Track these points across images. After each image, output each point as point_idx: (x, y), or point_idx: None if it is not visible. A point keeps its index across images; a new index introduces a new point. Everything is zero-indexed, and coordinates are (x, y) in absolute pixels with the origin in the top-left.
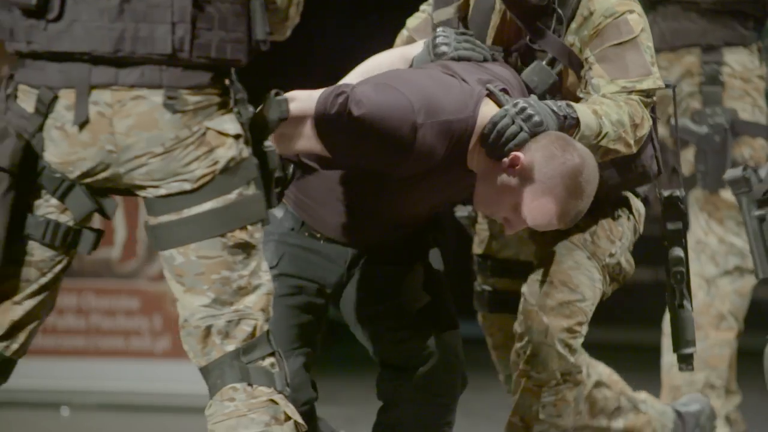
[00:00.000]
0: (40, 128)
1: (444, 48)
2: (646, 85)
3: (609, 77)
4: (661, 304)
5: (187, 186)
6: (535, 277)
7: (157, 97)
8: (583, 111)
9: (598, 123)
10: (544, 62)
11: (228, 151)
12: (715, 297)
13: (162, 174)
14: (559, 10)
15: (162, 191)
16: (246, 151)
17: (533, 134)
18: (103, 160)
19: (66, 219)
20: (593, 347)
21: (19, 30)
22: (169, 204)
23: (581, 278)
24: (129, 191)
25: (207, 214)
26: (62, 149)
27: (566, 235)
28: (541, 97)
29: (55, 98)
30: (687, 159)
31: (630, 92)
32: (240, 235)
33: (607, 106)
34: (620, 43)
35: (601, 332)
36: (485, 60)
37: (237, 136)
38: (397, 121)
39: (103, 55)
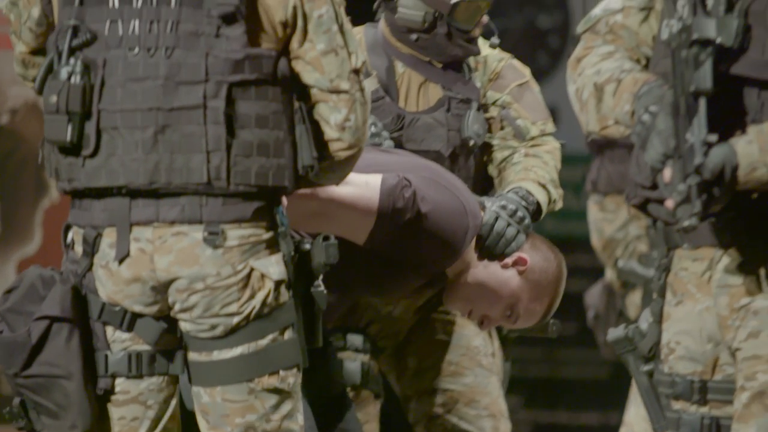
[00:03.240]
0: (90, 268)
1: (377, 139)
2: (550, 127)
3: (531, 118)
4: None
5: (220, 332)
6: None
7: (197, 232)
8: (535, 190)
9: (546, 195)
10: (473, 110)
11: (267, 296)
12: None
13: (201, 311)
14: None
15: (197, 329)
16: (285, 296)
17: (525, 234)
18: (150, 297)
19: (146, 346)
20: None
21: (62, 169)
22: (201, 344)
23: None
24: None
25: (236, 359)
26: (108, 288)
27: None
28: (482, 147)
29: (99, 237)
30: (633, 302)
31: (544, 134)
32: (269, 381)
33: (540, 169)
34: (521, 84)
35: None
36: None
37: (279, 282)
38: (456, 223)
39: (140, 188)
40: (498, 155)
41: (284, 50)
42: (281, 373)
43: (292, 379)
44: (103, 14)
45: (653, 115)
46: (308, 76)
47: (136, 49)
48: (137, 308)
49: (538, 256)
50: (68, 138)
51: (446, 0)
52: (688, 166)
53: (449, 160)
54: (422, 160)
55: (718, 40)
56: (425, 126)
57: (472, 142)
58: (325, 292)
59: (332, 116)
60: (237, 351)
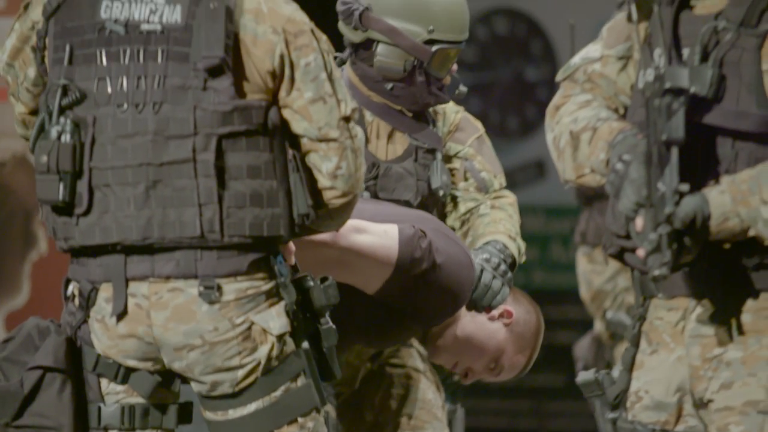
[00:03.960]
0: (85, 320)
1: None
2: (504, 180)
3: (492, 171)
4: None
5: (228, 389)
6: None
7: (193, 288)
8: (509, 243)
9: (517, 246)
10: (439, 160)
11: (271, 350)
12: None
13: (202, 368)
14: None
15: (205, 389)
16: (291, 346)
17: (509, 286)
18: (145, 352)
19: (140, 399)
20: None
21: (58, 228)
22: (214, 404)
23: None
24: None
25: (252, 415)
26: (104, 342)
27: None
28: (451, 197)
29: (96, 291)
30: (622, 354)
31: (502, 188)
32: (289, 431)
33: (507, 222)
34: (479, 137)
35: None
36: None
37: (281, 335)
38: (464, 275)
39: (134, 244)
40: (461, 207)
41: (274, 99)
42: (300, 420)
43: (311, 423)
44: (92, 72)
45: (626, 163)
46: (297, 125)
47: (125, 106)
48: (131, 363)
49: (521, 308)
50: (60, 197)
51: (427, 48)
52: (659, 215)
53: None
54: (420, 212)
55: (692, 90)
56: (396, 175)
57: (441, 193)
58: (333, 327)
59: (323, 165)
60: (252, 407)
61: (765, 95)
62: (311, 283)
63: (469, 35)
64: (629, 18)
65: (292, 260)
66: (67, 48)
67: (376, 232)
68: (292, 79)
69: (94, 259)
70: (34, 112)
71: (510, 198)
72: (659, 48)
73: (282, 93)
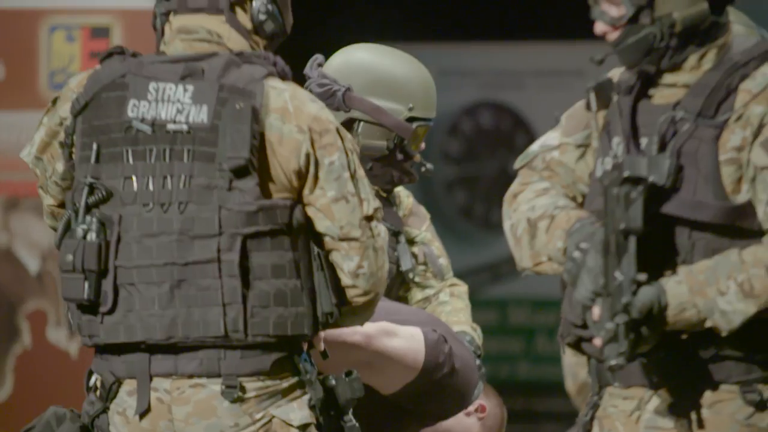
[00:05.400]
0: (104, 411)
1: None
2: None
3: (447, 258)
4: None
5: None
6: None
7: (215, 385)
8: (474, 335)
9: (479, 337)
10: (403, 243)
11: None
12: None
13: None
14: None
15: None
16: None
17: (482, 381)
18: None
19: None
20: None
21: (83, 325)
22: None
23: None
24: None
25: None
26: None
27: None
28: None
29: (119, 384)
30: None
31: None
32: None
33: (466, 313)
34: (429, 222)
35: None
36: None
37: (303, 426)
38: (473, 378)
39: (159, 343)
40: (418, 293)
41: (299, 197)
42: None
43: None
44: (118, 171)
45: (584, 252)
46: (320, 223)
47: (151, 205)
48: None
49: (491, 402)
50: (85, 296)
51: (409, 125)
52: (616, 305)
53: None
54: (425, 312)
55: (650, 179)
56: None
57: (411, 275)
58: (357, 425)
59: (345, 264)
60: None
61: (722, 186)
62: (334, 382)
63: (455, 128)
64: (588, 106)
65: (321, 346)
66: (94, 146)
67: (404, 336)
68: (316, 178)
69: (118, 356)
70: (62, 205)
71: (464, 287)
72: (617, 137)
73: (306, 191)
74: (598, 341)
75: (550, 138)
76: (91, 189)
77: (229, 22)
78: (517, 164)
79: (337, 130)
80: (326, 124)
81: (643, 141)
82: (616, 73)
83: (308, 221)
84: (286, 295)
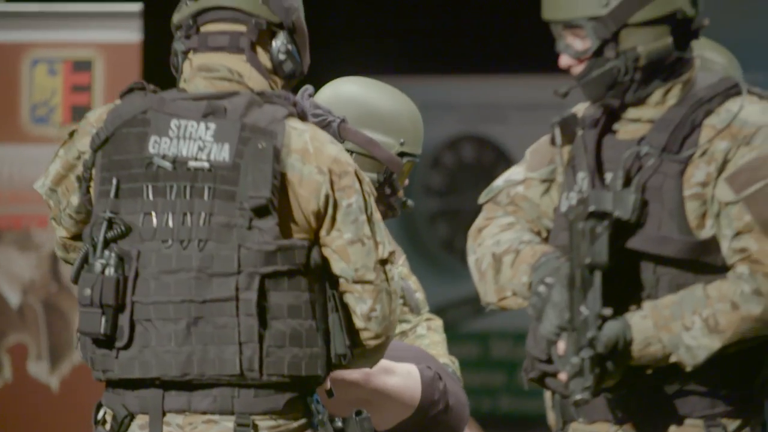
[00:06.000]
0: None
1: None
2: None
3: (423, 293)
4: None
5: None
6: None
7: (228, 422)
8: (456, 368)
9: (458, 369)
10: None
11: None
12: None
13: None
14: None
15: None
16: None
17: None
18: None
19: None
20: None
21: (96, 359)
22: None
23: None
24: None
25: None
26: None
27: None
28: None
29: (131, 418)
30: None
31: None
32: None
33: (445, 345)
34: (404, 257)
35: None
36: None
37: None
38: (465, 415)
39: (173, 379)
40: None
41: (315, 238)
42: None
43: None
44: (138, 207)
45: (549, 287)
46: (335, 265)
47: (170, 242)
48: None
49: None
50: (102, 331)
51: (400, 160)
52: (581, 339)
53: None
54: (418, 348)
55: (616, 214)
56: None
57: None
58: None
59: (358, 306)
60: None
61: (687, 221)
62: (340, 424)
63: (437, 161)
64: (553, 141)
65: (327, 384)
66: (114, 181)
67: (401, 374)
68: (334, 219)
69: (131, 390)
70: (75, 237)
71: (440, 321)
72: (582, 171)
73: (322, 232)
74: (563, 376)
75: (514, 173)
76: (110, 224)
77: (249, 62)
78: (481, 199)
79: (356, 173)
80: (345, 167)
81: (608, 176)
82: (581, 108)
83: (324, 262)
84: (301, 335)
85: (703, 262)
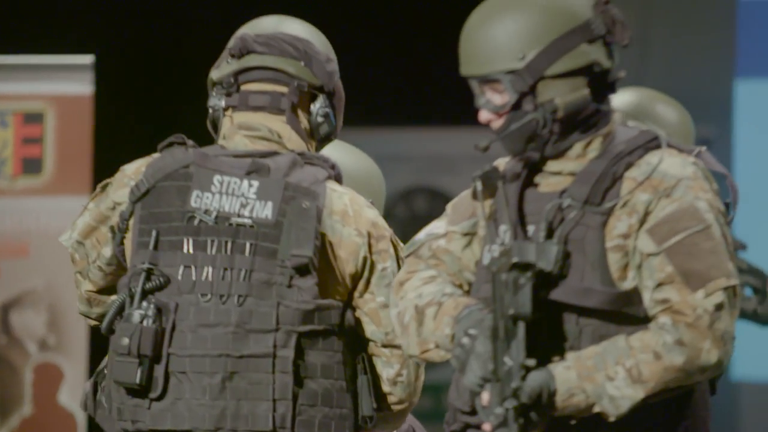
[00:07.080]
0: None
1: None
2: None
3: None
4: None
5: None
6: None
7: None
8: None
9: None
10: None
11: None
12: None
13: None
14: None
15: None
16: None
17: None
18: None
19: None
20: None
21: (126, 409)
22: None
23: None
24: None
25: None
26: None
27: None
28: None
29: None
30: None
31: None
32: None
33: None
34: None
35: None
36: None
37: None
38: None
39: None
40: None
41: (349, 299)
42: None
43: None
44: (177, 259)
45: (472, 338)
46: (366, 327)
47: (209, 296)
48: None
49: None
50: (137, 380)
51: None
52: (505, 390)
53: None
54: None
55: (539, 265)
56: None
57: None
58: None
59: (385, 371)
60: None
61: (609, 273)
62: None
63: (389, 213)
64: (474, 195)
65: None
66: (153, 233)
67: None
68: (368, 282)
69: None
70: (102, 291)
71: None
72: (505, 224)
73: (356, 294)
74: (487, 427)
75: (436, 226)
76: (149, 275)
77: (289, 123)
78: (403, 253)
79: (391, 238)
80: (382, 231)
81: (531, 228)
82: (503, 162)
83: (356, 324)
84: (332, 395)
85: (625, 313)
